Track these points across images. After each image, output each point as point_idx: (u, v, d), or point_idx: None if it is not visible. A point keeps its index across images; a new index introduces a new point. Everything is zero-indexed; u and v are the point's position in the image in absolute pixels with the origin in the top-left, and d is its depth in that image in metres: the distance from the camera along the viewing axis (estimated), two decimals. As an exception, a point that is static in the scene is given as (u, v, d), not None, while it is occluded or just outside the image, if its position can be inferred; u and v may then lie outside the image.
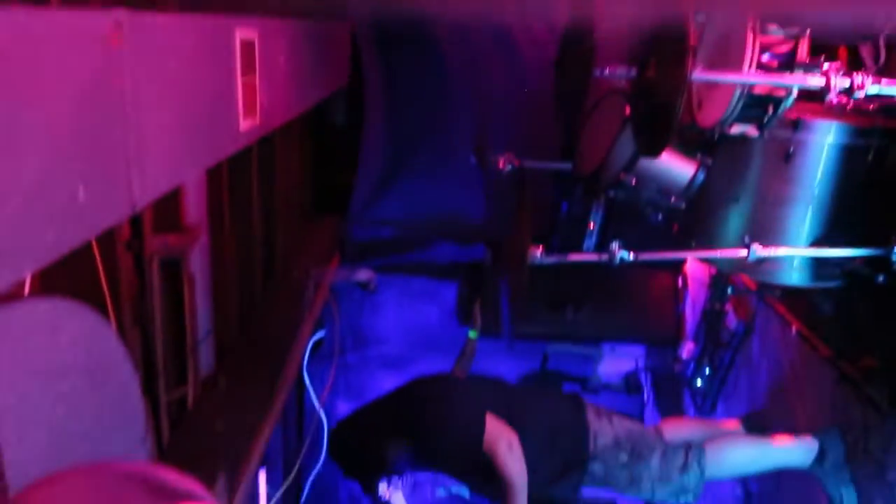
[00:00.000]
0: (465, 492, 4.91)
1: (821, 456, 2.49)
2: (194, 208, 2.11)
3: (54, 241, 0.94)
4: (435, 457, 2.46)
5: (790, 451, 2.56)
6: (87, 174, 0.97)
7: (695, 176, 2.39)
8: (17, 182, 0.84)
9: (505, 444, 2.28)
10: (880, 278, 2.28)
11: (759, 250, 2.20)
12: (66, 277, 1.53)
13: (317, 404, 4.10)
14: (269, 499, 3.76)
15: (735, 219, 2.36)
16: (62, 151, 0.92)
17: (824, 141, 2.18)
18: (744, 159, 2.35)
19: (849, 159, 2.19)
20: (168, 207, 1.99)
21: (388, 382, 4.54)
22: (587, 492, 2.69)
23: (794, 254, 2.29)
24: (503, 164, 2.95)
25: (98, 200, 1.00)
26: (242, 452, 2.24)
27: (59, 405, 1.12)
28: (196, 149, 1.32)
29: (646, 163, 2.41)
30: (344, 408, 4.58)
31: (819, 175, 2.21)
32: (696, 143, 2.46)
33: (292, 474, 3.95)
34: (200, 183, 2.18)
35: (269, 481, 3.75)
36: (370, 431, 2.43)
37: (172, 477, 0.42)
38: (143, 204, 1.13)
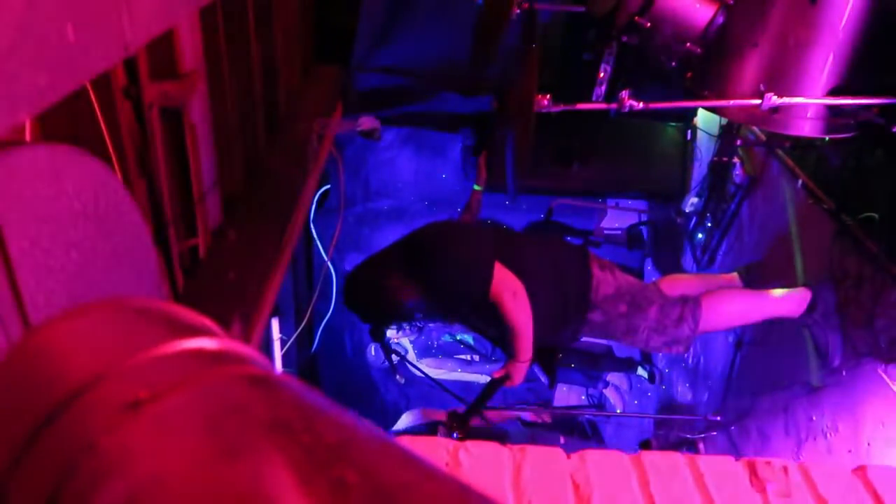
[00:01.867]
0: (469, 339, 5.16)
1: (812, 305, 2.57)
2: (190, 54, 2.03)
3: (47, 84, 0.91)
4: (443, 302, 2.53)
5: (784, 301, 2.64)
6: (75, 11, 0.92)
7: (714, 18, 2.27)
8: (2, 18, 0.80)
9: (510, 293, 2.34)
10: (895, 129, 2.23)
11: (773, 99, 2.14)
12: (67, 129, 1.51)
13: (325, 256, 4.20)
14: (282, 345, 3.96)
15: (752, 66, 2.27)
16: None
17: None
18: (766, 1, 2.22)
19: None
20: (163, 54, 1.91)
21: (393, 235, 4.62)
22: (585, 340, 2.81)
23: (809, 102, 2.22)
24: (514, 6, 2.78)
25: (89, 41, 0.96)
26: (255, 301, 2.31)
27: (72, 251, 1.14)
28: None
29: (663, 3, 2.27)
30: (351, 260, 4.70)
31: (846, 17, 2.09)
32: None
33: (304, 322, 4.13)
34: (195, 27, 2.08)
35: (281, 330, 3.93)
36: (380, 276, 2.47)
37: (189, 314, 0.43)
38: (136, 46, 1.09)
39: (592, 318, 2.56)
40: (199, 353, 0.37)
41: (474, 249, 2.45)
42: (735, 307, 2.69)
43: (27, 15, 0.84)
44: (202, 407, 0.33)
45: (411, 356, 4.91)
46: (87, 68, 0.99)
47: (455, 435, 2.46)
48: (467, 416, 2.54)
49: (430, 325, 4.84)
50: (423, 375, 3.20)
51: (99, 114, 1.52)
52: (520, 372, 2.46)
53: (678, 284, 2.84)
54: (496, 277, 2.33)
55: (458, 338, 5.12)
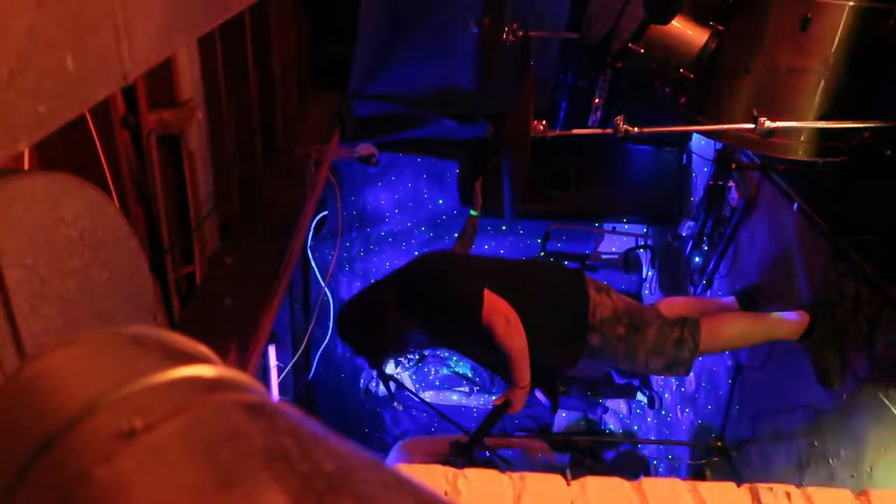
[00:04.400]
0: (468, 370, 5.13)
1: (811, 329, 2.57)
2: (189, 83, 2.05)
3: (47, 112, 0.91)
4: (438, 332, 2.53)
5: (782, 324, 2.63)
6: (75, 41, 0.93)
7: (706, 45, 2.30)
8: (2, 48, 0.80)
9: (502, 319, 2.33)
10: (888, 152, 2.25)
11: (766, 123, 2.16)
12: (65, 157, 1.52)
13: (322, 282, 4.20)
14: (279, 372, 3.94)
15: (744, 91, 2.29)
16: (46, 16, 0.88)
17: (845, 3, 2.07)
18: (758, 28, 2.25)
19: (868, 24, 2.09)
20: (162, 83, 1.93)
21: (391, 261, 4.62)
22: (584, 364, 2.80)
23: (802, 126, 2.24)
24: (507, 34, 2.82)
25: (88, 70, 0.97)
26: (252, 328, 2.30)
27: (68, 280, 1.14)
28: (186, 15, 1.26)
29: (656, 31, 2.30)
30: (348, 286, 4.69)
31: (835, 43, 2.12)
32: (709, 9, 2.35)
33: (301, 349, 4.11)
34: (193, 56, 2.10)
35: (278, 357, 3.91)
36: (375, 309, 2.47)
37: (185, 341, 0.43)
38: (135, 74, 1.09)
39: (591, 341, 2.55)
40: (195, 381, 0.37)
41: (463, 278, 2.45)
42: (734, 329, 2.68)
43: (27, 44, 0.85)
44: (198, 435, 0.33)
45: (409, 386, 4.87)
46: (86, 97, 0.99)
47: (459, 464, 2.44)
48: (471, 446, 2.51)
49: (427, 356, 4.81)
50: (419, 400, 3.18)
51: (97, 142, 1.53)
52: (520, 398, 2.44)
53: (676, 307, 2.83)
54: (487, 304, 2.33)
55: (455, 370, 5.10)
